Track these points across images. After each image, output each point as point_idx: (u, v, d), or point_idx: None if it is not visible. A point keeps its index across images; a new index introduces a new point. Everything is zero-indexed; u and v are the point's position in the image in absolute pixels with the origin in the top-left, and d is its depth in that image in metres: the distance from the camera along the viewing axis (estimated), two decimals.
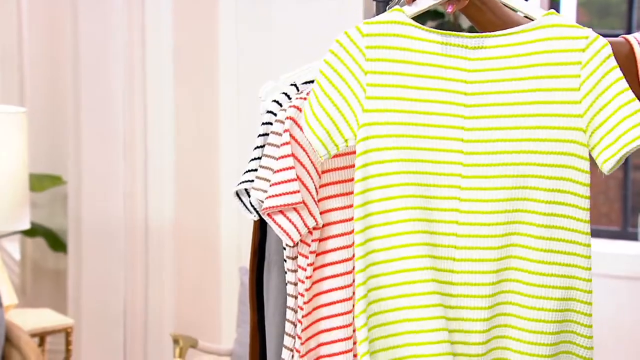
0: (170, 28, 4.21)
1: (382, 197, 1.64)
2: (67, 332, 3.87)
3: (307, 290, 1.78)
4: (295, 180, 1.76)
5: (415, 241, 1.63)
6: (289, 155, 1.77)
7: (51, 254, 4.65)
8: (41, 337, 3.84)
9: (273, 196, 1.76)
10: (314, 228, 1.78)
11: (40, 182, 4.46)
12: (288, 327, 1.80)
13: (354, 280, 1.78)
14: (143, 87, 4.24)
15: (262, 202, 1.79)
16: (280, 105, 1.83)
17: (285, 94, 1.84)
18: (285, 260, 1.82)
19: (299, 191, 1.76)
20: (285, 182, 1.76)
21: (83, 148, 4.27)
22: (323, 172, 1.80)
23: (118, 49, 4.22)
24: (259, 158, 1.82)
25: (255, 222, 1.91)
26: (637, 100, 1.65)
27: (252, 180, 1.81)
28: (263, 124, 1.84)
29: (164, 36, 4.22)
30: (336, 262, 1.80)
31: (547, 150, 1.63)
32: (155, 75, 4.23)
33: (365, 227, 1.64)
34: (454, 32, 1.71)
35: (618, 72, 1.65)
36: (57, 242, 4.55)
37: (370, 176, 1.64)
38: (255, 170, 1.81)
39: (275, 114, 1.82)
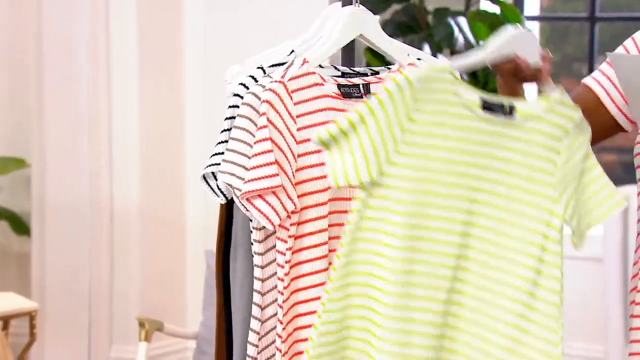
0: (135, 9, 4.18)
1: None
2: (31, 316, 3.85)
3: (286, 274, 1.78)
4: (274, 163, 1.75)
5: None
6: (267, 139, 1.76)
7: (15, 238, 4.62)
8: (5, 321, 3.81)
9: (252, 180, 1.75)
10: (292, 212, 1.78)
11: (4, 165, 4.42)
12: (255, 310, 1.81)
13: (330, 264, 1.79)
14: (107, 67, 4.21)
15: (230, 185, 1.78)
16: (247, 88, 1.83)
17: (252, 76, 1.84)
18: (252, 243, 1.82)
19: (277, 174, 1.76)
20: (264, 165, 1.76)
21: (47, 130, 4.24)
22: (299, 155, 1.80)
23: (82, 28, 4.19)
24: (226, 141, 1.82)
25: (221, 205, 1.91)
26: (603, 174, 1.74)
27: (219, 164, 1.81)
28: (230, 107, 1.84)
29: (128, 17, 4.19)
30: (314, 246, 1.80)
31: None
32: (120, 56, 4.21)
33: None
34: (491, 98, 1.70)
35: (587, 148, 1.72)
36: (20, 226, 4.52)
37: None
38: (222, 153, 1.81)
39: (241, 97, 1.82)
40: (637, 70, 1.68)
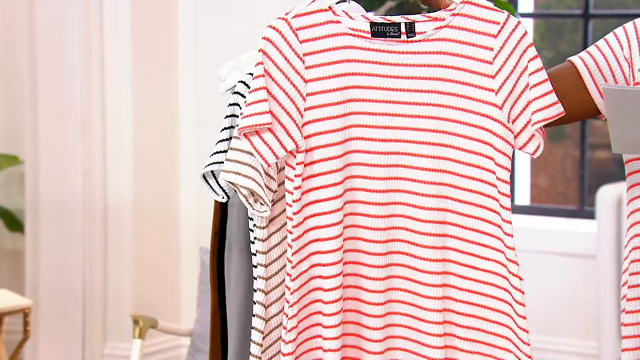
0: (128, 6, 4.17)
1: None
2: (25, 313, 3.85)
3: (295, 213, 1.74)
4: (265, 100, 1.71)
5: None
6: (261, 75, 1.72)
7: (8, 235, 4.61)
8: None
9: (245, 116, 1.72)
10: (297, 151, 1.74)
11: None
12: (258, 309, 1.79)
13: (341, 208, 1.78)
14: (101, 65, 4.20)
15: (233, 183, 1.75)
16: (248, 87, 1.80)
17: (251, 74, 1.82)
18: (253, 242, 1.80)
19: (268, 112, 1.72)
20: (256, 102, 1.72)
21: (40, 127, 4.24)
22: (308, 94, 1.75)
23: (75, 25, 4.18)
24: (228, 139, 1.80)
25: (216, 202, 1.90)
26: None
27: (221, 162, 1.79)
28: (230, 104, 1.82)
29: (122, 16, 4.18)
30: (325, 186, 1.76)
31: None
32: (113, 53, 4.20)
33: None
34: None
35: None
36: (14, 223, 4.51)
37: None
38: (224, 151, 1.79)
39: (242, 95, 1.81)
40: (631, 102, 1.62)
